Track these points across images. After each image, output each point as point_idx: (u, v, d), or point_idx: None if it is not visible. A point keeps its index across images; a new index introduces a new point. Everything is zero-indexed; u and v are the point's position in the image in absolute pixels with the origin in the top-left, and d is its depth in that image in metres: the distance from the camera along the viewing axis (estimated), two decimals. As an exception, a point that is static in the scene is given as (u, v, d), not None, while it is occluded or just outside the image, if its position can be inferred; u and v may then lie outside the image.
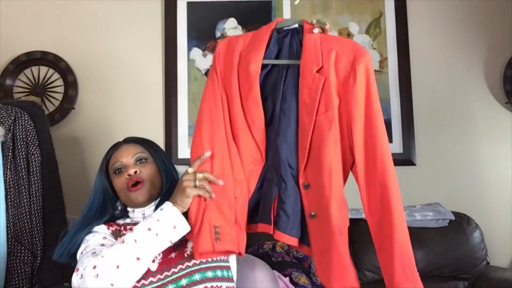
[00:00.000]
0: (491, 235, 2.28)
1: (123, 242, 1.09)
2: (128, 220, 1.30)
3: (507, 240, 2.32)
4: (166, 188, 1.29)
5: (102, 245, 1.16)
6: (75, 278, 1.09)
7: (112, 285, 1.05)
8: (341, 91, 1.14)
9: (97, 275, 1.05)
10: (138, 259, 1.07)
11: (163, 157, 1.36)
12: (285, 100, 1.18)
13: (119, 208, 1.34)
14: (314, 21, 1.21)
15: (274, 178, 1.19)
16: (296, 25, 1.23)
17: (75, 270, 1.11)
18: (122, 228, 1.25)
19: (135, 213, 1.30)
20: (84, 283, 1.05)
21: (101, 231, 1.23)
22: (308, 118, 1.13)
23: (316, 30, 1.18)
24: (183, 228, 1.12)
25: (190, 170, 1.16)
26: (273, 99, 1.20)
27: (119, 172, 1.29)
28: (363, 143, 1.12)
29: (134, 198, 1.26)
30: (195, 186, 1.13)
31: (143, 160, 1.31)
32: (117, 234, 1.23)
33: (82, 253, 1.16)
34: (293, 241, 1.17)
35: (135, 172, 1.27)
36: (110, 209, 1.32)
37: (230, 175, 1.18)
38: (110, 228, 1.25)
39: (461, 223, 2.13)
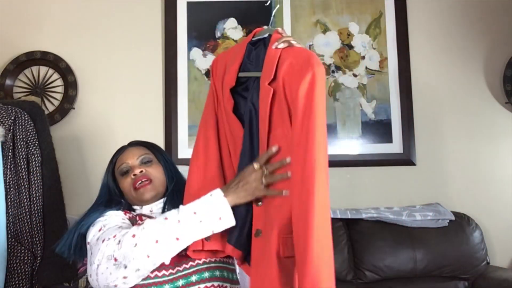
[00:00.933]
0: (491, 235, 2.28)
1: (166, 218, 1.10)
2: (139, 212, 1.30)
3: (507, 240, 2.32)
4: (171, 187, 1.32)
5: (120, 227, 1.15)
6: (109, 244, 1.07)
7: (148, 257, 1.06)
8: (293, 102, 1.05)
9: (136, 244, 1.06)
10: (177, 239, 1.07)
11: (167, 159, 1.39)
12: (250, 114, 1.15)
13: (122, 208, 1.34)
14: (282, 32, 1.19)
15: None
16: (266, 35, 1.20)
17: (102, 241, 1.09)
18: (137, 217, 1.25)
19: (143, 210, 1.31)
20: (121, 248, 1.06)
21: (118, 214, 1.23)
22: (263, 132, 1.10)
23: (280, 46, 1.12)
24: (229, 221, 1.10)
25: (256, 165, 1.10)
26: (247, 116, 1.17)
27: (125, 173, 1.32)
28: (296, 154, 1.03)
29: (141, 195, 1.28)
30: (263, 185, 1.08)
31: (148, 161, 1.34)
32: (133, 223, 1.23)
33: (100, 230, 1.14)
34: (237, 253, 1.11)
35: (141, 172, 1.30)
36: (115, 205, 1.32)
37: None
38: (128, 214, 1.26)
39: (461, 223, 2.14)
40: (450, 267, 2.04)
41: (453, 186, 2.37)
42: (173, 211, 1.12)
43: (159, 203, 1.30)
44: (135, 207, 1.33)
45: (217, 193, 1.11)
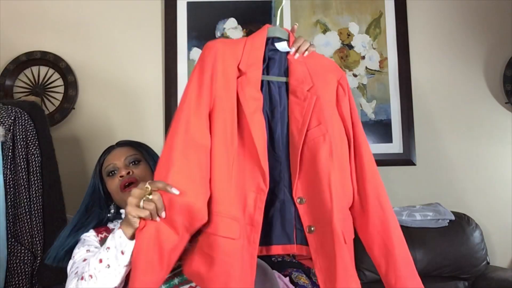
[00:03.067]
0: (491, 235, 2.29)
1: (82, 278, 1.08)
2: (118, 226, 1.28)
3: (507, 240, 2.32)
4: None
5: (85, 259, 1.16)
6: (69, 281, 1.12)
7: None
8: (332, 104, 1.21)
9: None
10: None
11: (155, 159, 1.37)
12: (279, 117, 1.18)
13: (112, 210, 1.35)
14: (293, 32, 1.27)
15: (277, 197, 1.16)
16: (277, 34, 1.23)
17: (70, 273, 1.14)
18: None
19: None
20: None
21: (88, 240, 1.24)
22: (298, 134, 1.14)
23: (296, 56, 1.22)
24: (131, 251, 1.06)
25: (148, 185, 1.04)
26: (268, 117, 1.17)
27: (112, 174, 1.31)
28: (353, 149, 1.22)
29: (128, 197, 1.26)
30: (138, 205, 1.02)
31: (136, 162, 1.33)
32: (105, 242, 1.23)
33: (70, 268, 1.19)
34: (306, 249, 1.15)
35: (128, 173, 1.29)
36: (99, 212, 1.32)
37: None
38: (99, 235, 1.26)
39: (461, 223, 2.13)
40: (450, 267, 2.04)
41: (453, 186, 2.37)
42: (86, 266, 1.09)
43: None
44: (121, 210, 1.32)
45: (116, 227, 1.09)
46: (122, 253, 1.06)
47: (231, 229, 1.04)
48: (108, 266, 1.06)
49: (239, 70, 1.15)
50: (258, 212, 1.08)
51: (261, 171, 1.09)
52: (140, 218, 1.03)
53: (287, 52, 1.23)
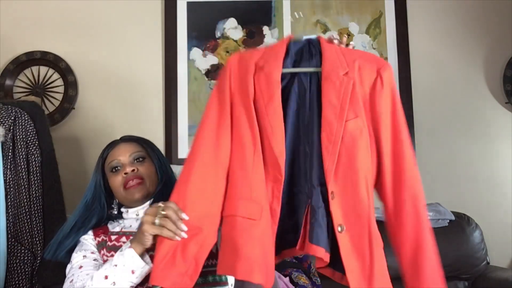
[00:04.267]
0: (491, 235, 2.28)
1: None
2: (117, 228, 1.27)
3: (507, 240, 2.32)
4: (160, 187, 1.28)
5: (81, 266, 1.16)
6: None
7: None
8: (366, 99, 1.10)
9: None
10: None
11: (159, 156, 1.35)
12: (309, 107, 1.12)
13: (115, 208, 1.33)
14: (334, 36, 1.19)
15: (303, 188, 1.09)
16: (314, 36, 1.18)
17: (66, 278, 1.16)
18: (107, 239, 1.24)
19: (129, 214, 1.28)
20: None
21: (86, 244, 1.23)
22: (337, 122, 1.05)
23: (335, 42, 1.16)
24: (143, 270, 1.07)
25: (161, 204, 1.06)
26: (293, 108, 1.12)
27: (116, 170, 1.28)
28: (390, 150, 1.10)
29: (131, 195, 1.25)
30: (154, 223, 1.03)
31: (141, 159, 1.29)
32: (103, 245, 1.23)
33: (68, 272, 1.19)
34: (327, 257, 1.05)
35: (133, 170, 1.26)
36: (99, 209, 1.30)
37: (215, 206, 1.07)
38: (97, 238, 1.25)
39: (461, 223, 2.13)
40: (450, 267, 2.03)
41: (453, 186, 2.37)
42: (89, 281, 1.08)
43: (146, 206, 1.26)
44: (122, 209, 1.30)
45: (126, 245, 1.09)
46: (132, 272, 1.06)
47: (251, 210, 1.03)
48: (114, 283, 1.05)
49: (255, 66, 1.13)
50: (276, 201, 1.06)
51: (275, 161, 1.06)
52: (157, 236, 1.04)
53: (319, 43, 1.16)
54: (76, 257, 1.20)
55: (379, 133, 1.10)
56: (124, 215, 1.30)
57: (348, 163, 1.05)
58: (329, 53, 1.12)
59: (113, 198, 1.33)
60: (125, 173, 1.25)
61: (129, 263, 1.05)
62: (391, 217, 1.09)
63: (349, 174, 1.05)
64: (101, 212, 1.30)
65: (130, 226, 1.26)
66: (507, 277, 1.96)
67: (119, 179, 1.26)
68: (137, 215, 1.27)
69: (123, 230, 1.26)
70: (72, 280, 1.13)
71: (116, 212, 1.33)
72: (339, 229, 1.04)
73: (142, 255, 1.07)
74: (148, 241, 1.04)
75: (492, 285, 1.96)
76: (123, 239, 1.22)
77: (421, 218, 1.08)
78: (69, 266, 1.20)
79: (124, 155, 1.28)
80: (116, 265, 1.06)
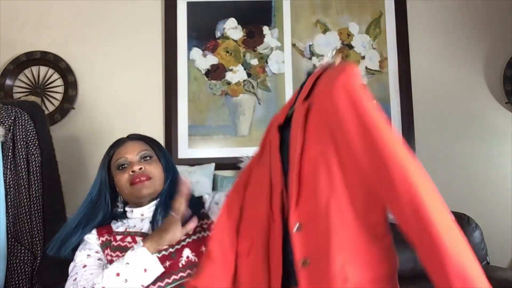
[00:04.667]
0: (491, 235, 2.28)
1: (94, 287, 1.08)
2: (121, 228, 1.27)
3: (507, 240, 2.32)
4: (165, 188, 1.28)
5: (85, 265, 1.16)
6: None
7: None
8: (325, 115, 0.95)
9: None
10: None
11: (166, 156, 1.35)
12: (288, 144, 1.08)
13: (120, 205, 1.33)
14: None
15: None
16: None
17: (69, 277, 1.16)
18: (112, 238, 1.24)
19: (134, 213, 1.28)
20: None
21: (90, 243, 1.23)
22: (295, 154, 0.97)
23: (324, 64, 1.06)
24: (155, 270, 1.10)
25: (175, 214, 1.14)
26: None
27: (122, 168, 1.27)
28: (366, 157, 0.89)
29: (138, 191, 1.24)
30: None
31: (148, 158, 1.29)
32: (107, 245, 1.23)
33: (71, 271, 1.19)
34: None
35: (140, 169, 1.25)
36: (104, 206, 1.29)
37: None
38: (101, 238, 1.24)
39: (461, 223, 2.13)
40: (450, 267, 2.03)
41: (453, 186, 2.37)
42: (100, 276, 1.10)
43: (151, 206, 1.27)
44: (127, 208, 1.30)
45: (139, 243, 1.13)
46: (145, 270, 1.08)
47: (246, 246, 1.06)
48: (126, 280, 1.08)
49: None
50: (272, 241, 1.03)
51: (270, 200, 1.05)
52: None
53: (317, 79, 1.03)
54: (80, 256, 1.20)
55: (349, 144, 0.91)
56: (128, 214, 1.29)
57: (312, 192, 0.94)
58: (309, 82, 1.05)
59: (117, 196, 1.33)
60: (132, 171, 1.25)
61: (142, 261, 1.08)
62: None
63: (313, 206, 0.93)
64: (106, 209, 1.30)
65: (134, 226, 1.26)
66: (507, 277, 1.95)
67: (125, 177, 1.26)
68: (142, 215, 1.27)
69: (127, 230, 1.25)
70: (76, 278, 1.13)
71: (121, 210, 1.32)
72: (303, 263, 0.92)
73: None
74: (164, 244, 1.12)
75: (492, 285, 1.96)
76: (128, 239, 1.22)
77: (431, 230, 0.86)
78: (72, 264, 1.20)
79: (131, 153, 1.28)
80: (128, 263, 1.08)
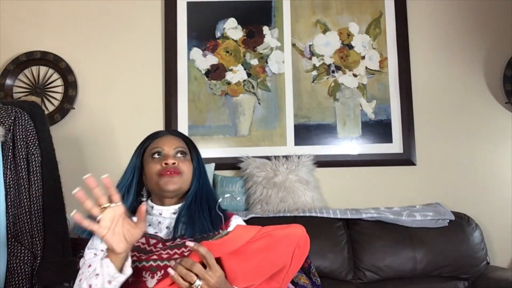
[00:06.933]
0: (491, 235, 2.28)
1: None
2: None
3: (507, 240, 2.32)
4: (193, 191, 1.29)
5: (90, 265, 1.16)
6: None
7: None
8: None
9: None
10: None
11: (199, 158, 1.36)
12: None
13: (144, 195, 1.33)
14: None
15: None
16: None
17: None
18: None
19: (154, 210, 1.29)
20: None
21: (96, 243, 1.23)
22: None
23: None
24: (118, 281, 1.07)
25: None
26: None
27: (157, 156, 1.29)
28: None
29: (164, 183, 1.24)
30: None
31: (183, 155, 1.31)
32: None
33: (81, 266, 1.19)
34: None
35: (173, 163, 1.26)
36: (133, 194, 1.31)
37: None
38: None
39: (461, 223, 2.13)
40: (450, 267, 2.03)
41: (453, 186, 2.37)
42: (83, 283, 1.10)
43: (172, 209, 1.28)
44: (149, 202, 1.30)
45: (104, 254, 1.10)
46: (109, 282, 1.06)
47: None
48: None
49: None
50: None
51: None
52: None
53: None
54: (88, 254, 1.21)
55: None
56: (148, 208, 1.30)
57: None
58: None
59: (143, 187, 1.34)
60: (166, 163, 1.26)
61: (106, 273, 1.06)
62: None
63: None
64: (134, 196, 1.31)
65: (149, 225, 1.27)
66: (507, 277, 1.96)
67: (157, 167, 1.27)
68: (160, 214, 1.28)
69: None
70: (81, 279, 1.13)
71: (145, 199, 1.33)
72: None
73: (120, 268, 1.07)
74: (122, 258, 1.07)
75: (492, 285, 1.96)
76: (142, 240, 1.22)
77: None
78: (82, 260, 1.21)
79: (169, 146, 1.30)
80: (97, 274, 1.07)
